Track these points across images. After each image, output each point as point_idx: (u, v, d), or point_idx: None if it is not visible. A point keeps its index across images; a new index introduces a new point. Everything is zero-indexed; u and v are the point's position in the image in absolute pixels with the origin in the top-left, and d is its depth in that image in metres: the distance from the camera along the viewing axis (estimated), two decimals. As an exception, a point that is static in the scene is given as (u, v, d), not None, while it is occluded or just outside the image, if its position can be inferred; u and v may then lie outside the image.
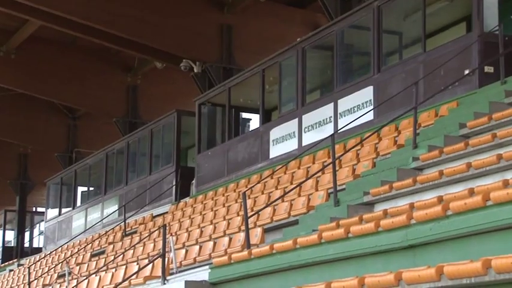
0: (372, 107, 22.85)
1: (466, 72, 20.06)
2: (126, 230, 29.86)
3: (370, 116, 22.64)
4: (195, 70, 32.21)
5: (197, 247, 20.73)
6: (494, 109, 17.01)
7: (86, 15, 31.79)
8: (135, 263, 22.14)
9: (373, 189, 16.11)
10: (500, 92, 17.89)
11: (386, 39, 24.14)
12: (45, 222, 44.73)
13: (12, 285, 34.55)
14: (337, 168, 17.54)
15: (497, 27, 19.94)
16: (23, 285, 29.45)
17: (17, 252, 49.18)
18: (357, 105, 23.61)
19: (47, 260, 36.23)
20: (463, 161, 15.04)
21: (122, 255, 25.56)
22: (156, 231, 24.52)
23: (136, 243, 25.80)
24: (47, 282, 29.87)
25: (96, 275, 23.81)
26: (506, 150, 14.17)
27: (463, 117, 17.55)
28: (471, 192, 12.26)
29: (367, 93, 23.46)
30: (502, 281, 8.95)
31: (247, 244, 16.48)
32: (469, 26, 22.13)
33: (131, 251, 25.37)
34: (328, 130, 23.19)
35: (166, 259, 17.82)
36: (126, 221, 30.40)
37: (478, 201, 11.13)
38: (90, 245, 32.87)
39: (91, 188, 40.49)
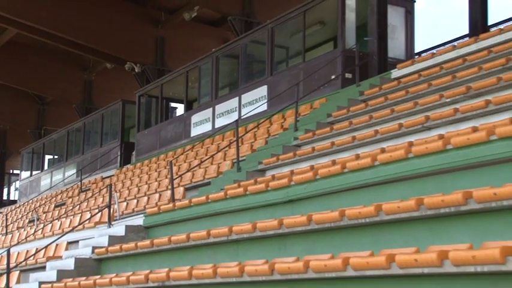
0: (266, 101, 23.00)
1: (333, 77, 20.33)
2: (82, 187, 29.70)
3: (264, 107, 22.72)
4: (136, 70, 32.19)
5: (135, 201, 20.72)
6: (351, 104, 17.40)
7: (53, 26, 31.40)
8: (88, 212, 22.02)
9: (265, 159, 16.30)
10: (356, 92, 18.26)
11: (277, 51, 24.41)
12: (20, 181, 44.11)
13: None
14: (240, 144, 17.60)
15: (354, 46, 20.36)
16: (1, 228, 29.12)
17: (-2, 203, 48.89)
18: (255, 99, 23.71)
19: (20, 209, 35.77)
20: (328, 140, 15.30)
21: (78, 206, 25.39)
22: (104, 189, 24.53)
23: (89, 197, 25.74)
24: (21, 225, 29.59)
25: (58, 221, 23.66)
26: (359, 133, 14.53)
27: (329, 109, 17.87)
28: (334, 163, 12.52)
29: (262, 91, 23.64)
30: (352, 225, 9.36)
31: (172, 199, 16.68)
32: (335, 44, 22.32)
33: (85, 203, 25.20)
34: (234, 117, 23.28)
35: (111, 209, 17.78)
36: (82, 181, 30.24)
37: (338, 169, 11.48)
38: (54, 198, 32.67)
39: (55, 156, 40.03)
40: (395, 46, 21.60)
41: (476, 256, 6.42)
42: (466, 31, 22.62)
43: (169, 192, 17.76)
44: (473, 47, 16.66)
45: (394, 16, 21.82)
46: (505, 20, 20.93)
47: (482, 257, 6.36)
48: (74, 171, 34.80)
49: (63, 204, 29.52)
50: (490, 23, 21.96)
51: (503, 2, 43.38)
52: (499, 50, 15.13)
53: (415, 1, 22.62)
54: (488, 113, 11.90)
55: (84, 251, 15.31)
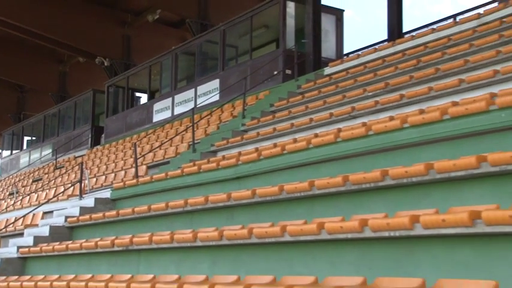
0: (218, 92, 22.96)
1: (275, 73, 20.41)
2: (57, 165, 29.41)
3: (217, 98, 22.64)
4: (105, 64, 31.83)
5: (103, 177, 20.60)
6: (290, 96, 17.47)
7: (33, 24, 30.94)
8: (62, 186, 21.85)
9: (217, 142, 16.27)
10: (294, 86, 18.31)
11: (228, 50, 24.34)
12: (1, 159, 43.48)
13: (-22, 200, 34.01)
14: (195, 129, 17.57)
15: (293, 46, 20.59)
16: (-15, 200, 28.89)
17: (-19, 178, 48.11)
18: (209, 90, 23.57)
19: (1, 183, 35.40)
20: (271, 126, 15.33)
21: (53, 181, 25.19)
22: (77, 166, 24.31)
23: (63, 173, 25.52)
24: (1, 197, 29.22)
25: (35, 193, 23.45)
26: (297, 120, 14.60)
27: (272, 100, 17.93)
28: (275, 145, 12.60)
29: (215, 83, 23.53)
30: (290, 198, 9.46)
31: (136, 175, 16.56)
32: (277, 44, 22.33)
33: (59, 178, 24.98)
34: (190, 105, 23.14)
35: (82, 184, 17.72)
36: (57, 159, 29.96)
37: (278, 151, 11.58)
38: (32, 174, 32.29)
39: (33, 138, 39.48)
40: (328, 47, 21.82)
41: (390, 223, 6.58)
42: (385, 37, 23.06)
43: (133, 169, 17.65)
44: (391, 50, 16.91)
45: (327, 22, 22.05)
46: (416, 28, 21.38)
47: (395, 224, 6.52)
48: (50, 150, 34.31)
49: (40, 179, 29.19)
50: (404, 30, 22.47)
51: (416, 14, 44.52)
52: (412, 53, 15.44)
53: (343, 10, 22.93)
54: (402, 105, 12.11)
55: (58, 220, 15.23)
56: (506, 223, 5.59)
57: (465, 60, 12.41)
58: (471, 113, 8.52)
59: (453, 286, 5.25)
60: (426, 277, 5.84)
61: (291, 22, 21.68)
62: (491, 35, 13.45)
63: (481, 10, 16.60)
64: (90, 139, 31.82)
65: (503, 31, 13.25)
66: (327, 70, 18.62)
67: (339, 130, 11.22)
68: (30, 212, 18.36)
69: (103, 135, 30.86)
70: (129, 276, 10.00)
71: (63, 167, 28.79)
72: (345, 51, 22.79)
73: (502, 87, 10.11)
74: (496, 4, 16.91)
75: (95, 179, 20.98)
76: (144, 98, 31.50)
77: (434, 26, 18.02)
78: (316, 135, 11.98)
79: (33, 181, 29.70)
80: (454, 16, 19.96)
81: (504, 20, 14.01)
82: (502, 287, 5.13)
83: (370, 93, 13.79)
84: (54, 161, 30.12)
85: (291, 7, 21.83)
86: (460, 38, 14.55)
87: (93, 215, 14.05)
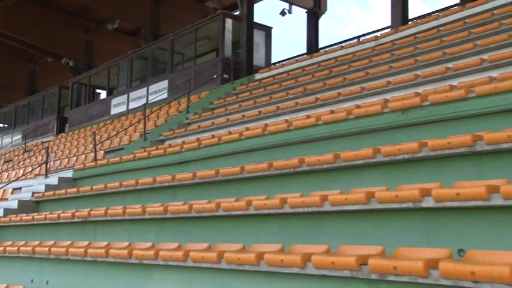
0: (166, 91, 22.92)
1: (214, 76, 20.48)
2: (26, 148, 28.74)
3: (165, 95, 22.57)
4: (71, 64, 31.14)
5: (66, 159, 20.14)
6: (227, 96, 17.59)
7: (7, 28, 30.11)
8: (30, 166, 21.43)
9: (165, 133, 16.22)
10: (230, 88, 18.47)
11: (176, 56, 24.24)
12: (-23, 143, 42.29)
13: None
14: (146, 121, 17.40)
15: (230, 55, 20.74)
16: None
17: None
18: (159, 89, 23.48)
19: (-24, 164, 34.51)
20: (210, 120, 15.35)
21: (22, 162, 24.62)
22: (43, 150, 23.79)
23: (31, 156, 24.91)
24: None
25: (6, 172, 22.78)
26: (232, 116, 14.69)
27: (212, 99, 17.95)
28: (213, 136, 12.57)
29: (164, 84, 23.44)
30: (224, 180, 9.47)
31: (95, 158, 16.41)
32: (217, 53, 22.25)
33: (28, 160, 24.39)
34: (143, 101, 22.82)
35: (48, 165, 17.41)
36: (26, 144, 29.26)
37: (216, 141, 11.57)
38: (3, 156, 31.43)
39: (5, 125, 38.33)
40: (258, 57, 22.04)
41: (305, 201, 6.70)
42: (305, 50, 23.46)
43: (92, 154, 17.40)
44: (309, 61, 17.18)
45: (258, 37, 22.28)
46: (329, 45, 21.88)
47: (308, 202, 6.63)
48: (20, 136, 33.47)
49: (11, 160, 28.39)
50: (320, 46, 22.88)
51: (328, 33, 45.64)
52: (325, 65, 15.74)
53: (272, 28, 23.13)
54: (317, 106, 12.30)
55: (25, 195, 14.90)
56: (393, 201, 5.78)
57: (366, 72, 12.76)
58: (369, 114, 8.76)
59: (351, 250, 5.42)
60: (331, 244, 5.98)
61: (228, 35, 21.79)
62: (385, 53, 13.92)
63: (378, 33, 17.05)
64: (55, 127, 31.14)
65: (394, 51, 13.77)
66: (257, 76, 18.76)
67: (266, 125, 11.31)
68: (1, 188, 17.90)
69: (67, 125, 30.28)
70: (86, 243, 9.90)
71: (31, 150, 28.11)
72: (273, 61, 23.00)
73: (393, 94, 10.47)
74: (389, 29, 17.40)
75: (59, 161, 20.54)
76: (103, 94, 31.04)
77: (343, 44, 18.44)
78: (247, 129, 12.07)
79: (5, 162, 28.85)
80: (358, 37, 20.44)
81: (395, 42, 14.53)
82: (387, 250, 5.31)
83: (292, 96, 13.98)
84: (24, 145, 29.36)
85: (229, 23, 21.97)
86: (362, 55, 14.94)
87: (57, 192, 13.81)
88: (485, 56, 9.95)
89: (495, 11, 12.53)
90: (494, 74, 8.93)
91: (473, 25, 12.54)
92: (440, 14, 15.09)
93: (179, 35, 23.99)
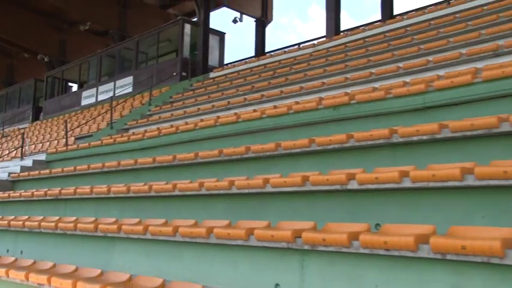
0: (131, 85, 22.59)
1: (174, 74, 20.36)
2: (4, 134, 27.84)
3: (130, 89, 22.24)
4: (45, 60, 30.22)
5: (40, 144, 19.66)
6: (185, 91, 17.44)
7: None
8: (7, 150, 20.76)
9: (129, 122, 15.97)
10: (188, 84, 18.27)
11: (140, 55, 23.88)
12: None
13: None
14: (113, 112, 17.23)
15: (188, 56, 20.64)
16: None
17: None
18: (125, 84, 23.11)
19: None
20: (169, 112, 15.15)
21: (0, 146, 23.96)
22: (20, 136, 23.11)
23: (8, 140, 24.20)
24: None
25: (-15, 155, 22.27)
26: (188, 109, 14.49)
27: (171, 93, 17.79)
28: (171, 126, 12.52)
29: (130, 79, 23.05)
30: (180, 164, 9.41)
31: (66, 144, 16.07)
32: (177, 54, 22.05)
33: (5, 144, 23.61)
34: (110, 94, 22.48)
35: (23, 149, 17.00)
36: (4, 130, 28.34)
37: (173, 130, 11.49)
38: (-17, 141, 30.54)
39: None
40: (213, 58, 21.97)
41: (250, 183, 6.71)
42: (253, 54, 23.47)
43: (64, 140, 17.04)
44: (257, 63, 17.24)
45: (213, 41, 22.22)
46: (274, 50, 21.95)
47: (253, 184, 6.65)
48: (-1, 123, 32.56)
49: (-11, 144, 27.56)
50: (266, 50, 22.92)
51: (274, 40, 45.95)
52: (270, 66, 15.83)
53: (225, 33, 23.02)
54: (262, 102, 12.32)
55: (2, 175, 14.43)
56: (324, 184, 5.87)
57: (304, 74, 12.87)
58: (306, 109, 8.87)
59: (288, 226, 5.48)
60: (272, 220, 6.00)
61: (187, 38, 21.66)
62: (321, 58, 14.09)
63: (315, 42, 17.24)
64: (31, 116, 30.23)
65: (328, 56, 13.97)
66: (212, 74, 18.69)
67: (218, 117, 11.31)
68: (-20, 169, 17.36)
69: (42, 113, 29.47)
70: (57, 218, 9.69)
71: (8, 135, 27.24)
72: (225, 62, 22.92)
73: (326, 93, 10.60)
74: (324, 38, 17.61)
75: (33, 146, 19.97)
76: (75, 87, 30.41)
77: (286, 49, 18.52)
78: (201, 120, 12.01)
79: (-17, 146, 27.94)
80: (298, 44, 20.56)
81: (329, 49, 14.72)
82: (318, 225, 5.37)
83: (241, 93, 13.98)
84: (2, 131, 28.44)
85: (187, 28, 21.85)
86: (301, 59, 15.09)
87: (31, 172, 13.48)
88: (400, 64, 10.22)
89: (408, 28, 12.99)
90: (408, 79, 9.19)
91: (391, 38, 12.88)
92: (366, 28, 15.40)
93: (143, 37, 23.67)
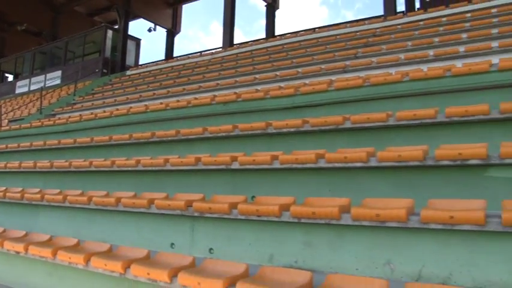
0: (60, 78, 21.08)
1: (97, 70, 19.31)
2: None
3: (59, 81, 20.74)
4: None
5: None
6: (105, 85, 16.45)
7: None
8: None
9: (56, 109, 14.70)
10: (108, 79, 17.26)
11: (68, 54, 22.22)
12: None
13: None
14: (43, 99, 15.97)
15: (109, 56, 19.57)
16: None
17: None
18: (55, 77, 21.49)
19: None
20: (91, 102, 14.18)
21: None
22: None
23: None
24: None
25: None
26: (108, 100, 13.69)
27: (93, 86, 16.61)
28: (92, 113, 11.72)
29: (58, 73, 21.45)
30: (97, 145, 8.81)
31: (0, 125, 14.79)
32: (100, 54, 20.83)
33: None
34: (41, 85, 20.98)
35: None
36: None
37: (93, 117, 10.85)
38: None
39: None
40: (130, 59, 21.12)
41: (153, 162, 6.42)
42: (163, 57, 22.65)
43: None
44: (166, 65, 16.71)
45: (130, 45, 21.39)
46: (181, 55, 21.40)
47: (156, 163, 6.37)
48: None
49: None
50: (174, 55, 22.26)
51: (184, 42, 45.16)
52: (176, 68, 15.42)
53: (140, 39, 22.18)
54: (168, 96, 11.80)
55: None
56: (213, 164, 5.74)
57: (203, 76, 12.64)
58: (203, 104, 8.68)
59: (183, 197, 5.28)
60: (170, 192, 5.77)
61: (109, 42, 20.55)
62: (217, 64, 13.95)
63: (213, 51, 17.06)
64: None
65: (223, 63, 13.87)
66: (128, 72, 17.83)
67: (131, 107, 10.82)
68: None
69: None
70: (4, 188, 8.75)
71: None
72: (140, 63, 22.02)
73: (219, 92, 10.45)
74: (220, 49, 17.48)
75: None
76: (10, 77, 27.74)
77: (189, 55, 18.12)
78: (117, 109, 11.31)
79: None
80: (200, 52, 20.03)
81: (224, 57, 14.58)
82: (207, 197, 5.24)
83: (151, 88, 13.42)
84: None
85: (109, 33, 20.79)
86: (202, 64, 14.83)
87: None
88: (277, 73, 10.34)
89: (285, 46, 13.32)
90: (282, 84, 9.32)
91: (272, 52, 13.05)
92: (253, 43, 15.53)
93: (72, 38, 22.13)
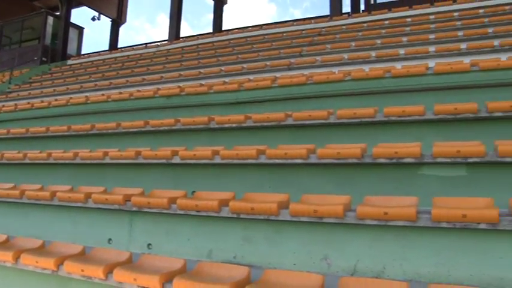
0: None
1: (35, 58, 18.14)
2: None
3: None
4: None
5: None
6: (43, 74, 15.45)
7: None
8: None
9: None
10: (47, 68, 16.22)
11: (4, 39, 20.56)
12: None
13: None
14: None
15: (49, 44, 18.52)
16: None
17: None
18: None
19: None
20: (27, 91, 13.27)
21: None
22: None
23: None
24: None
25: None
26: (46, 89, 12.93)
27: (31, 75, 15.59)
28: (28, 103, 11.01)
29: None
30: (33, 137, 8.34)
31: None
32: (39, 41, 19.52)
33: None
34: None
35: None
36: None
37: (28, 107, 10.23)
38: None
39: None
40: (72, 48, 20.02)
41: (92, 155, 6.16)
42: (107, 47, 21.75)
43: None
44: (109, 56, 16.10)
45: (72, 33, 20.26)
46: (125, 46, 20.58)
47: (95, 156, 6.13)
48: None
49: None
50: (119, 46, 21.44)
51: (126, 38, 43.69)
52: (120, 59, 14.81)
53: (84, 28, 21.10)
54: (110, 88, 11.27)
55: None
56: (153, 158, 5.59)
57: (147, 68, 12.24)
58: (145, 97, 8.41)
59: (121, 191, 5.08)
60: (108, 186, 5.50)
61: (49, 29, 19.37)
62: (162, 57, 13.56)
63: (159, 43, 16.61)
64: None
65: (168, 56, 13.48)
66: (69, 62, 16.94)
67: (70, 98, 10.21)
68: None
69: None
70: None
71: None
72: (83, 52, 21.00)
73: (163, 85, 10.10)
74: (166, 41, 17.00)
75: None
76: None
77: (134, 47, 17.51)
78: (56, 100, 10.71)
79: None
80: (146, 44, 19.45)
81: (169, 50, 14.25)
82: (146, 191, 5.07)
83: (93, 79, 12.79)
84: None
85: (50, 20, 19.58)
86: (146, 56, 14.42)
87: None
88: (223, 68, 10.21)
89: (231, 41, 13.14)
90: (227, 79, 9.20)
91: (218, 47, 12.92)
92: (200, 37, 15.32)
93: (8, 23, 20.57)
